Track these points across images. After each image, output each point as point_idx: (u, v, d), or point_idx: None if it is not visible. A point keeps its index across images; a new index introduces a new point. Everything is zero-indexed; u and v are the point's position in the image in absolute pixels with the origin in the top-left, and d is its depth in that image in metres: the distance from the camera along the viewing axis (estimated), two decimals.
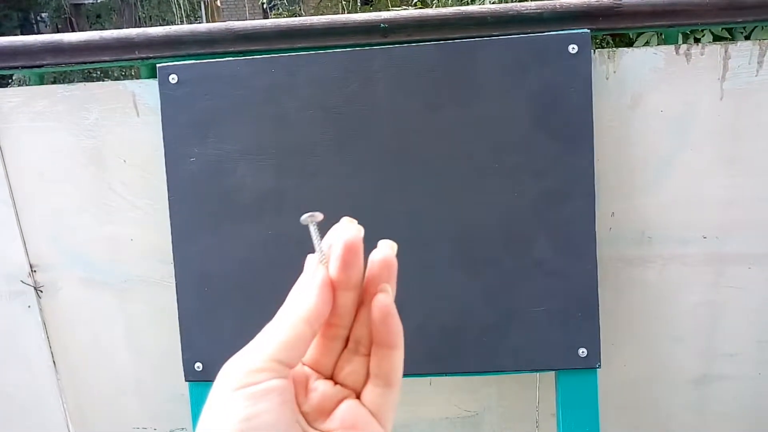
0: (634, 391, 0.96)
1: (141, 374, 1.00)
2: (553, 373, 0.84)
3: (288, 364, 0.33)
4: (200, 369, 0.83)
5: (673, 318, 0.92)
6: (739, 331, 0.92)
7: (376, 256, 0.34)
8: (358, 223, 0.35)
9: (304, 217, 0.35)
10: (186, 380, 0.84)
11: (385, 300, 0.34)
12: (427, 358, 0.80)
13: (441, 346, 0.80)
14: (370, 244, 0.34)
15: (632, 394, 0.96)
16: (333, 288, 0.34)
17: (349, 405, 0.35)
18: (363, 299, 0.35)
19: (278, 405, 0.32)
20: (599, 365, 0.80)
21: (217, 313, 0.82)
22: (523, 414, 0.99)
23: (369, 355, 0.35)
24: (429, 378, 0.96)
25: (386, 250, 0.35)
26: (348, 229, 0.34)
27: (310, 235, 0.35)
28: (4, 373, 1.01)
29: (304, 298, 0.33)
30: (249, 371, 0.32)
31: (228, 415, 0.31)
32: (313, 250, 0.35)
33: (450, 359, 0.81)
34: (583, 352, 0.79)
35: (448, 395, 0.99)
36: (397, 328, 0.34)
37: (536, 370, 0.82)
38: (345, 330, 0.36)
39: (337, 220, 0.35)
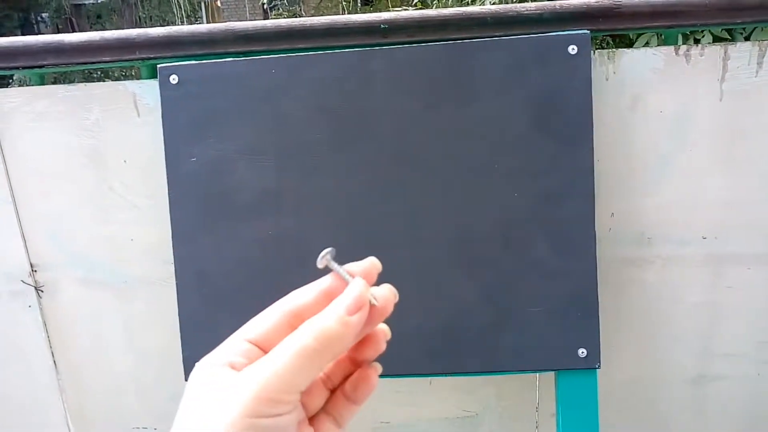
0: (634, 391, 0.96)
1: (141, 374, 1.00)
2: (552, 373, 0.84)
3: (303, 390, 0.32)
4: None
5: (672, 318, 0.92)
6: (738, 332, 0.92)
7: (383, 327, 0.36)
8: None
9: (321, 260, 0.35)
10: (186, 380, 0.84)
11: (376, 377, 0.35)
12: (426, 358, 0.80)
13: (441, 346, 0.80)
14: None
15: (632, 395, 0.96)
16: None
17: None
18: (358, 351, 0.36)
19: None
20: (599, 365, 0.80)
21: (218, 312, 0.82)
22: (523, 414, 0.99)
23: (333, 391, 0.36)
24: (429, 378, 0.96)
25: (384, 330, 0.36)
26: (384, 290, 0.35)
27: (334, 271, 0.35)
28: (5, 373, 1.01)
29: (347, 321, 0.33)
30: (263, 399, 0.30)
31: None
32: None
33: (450, 359, 0.81)
34: (582, 352, 0.80)
35: (448, 395, 0.99)
36: (370, 395, 0.35)
37: (536, 371, 0.82)
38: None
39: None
